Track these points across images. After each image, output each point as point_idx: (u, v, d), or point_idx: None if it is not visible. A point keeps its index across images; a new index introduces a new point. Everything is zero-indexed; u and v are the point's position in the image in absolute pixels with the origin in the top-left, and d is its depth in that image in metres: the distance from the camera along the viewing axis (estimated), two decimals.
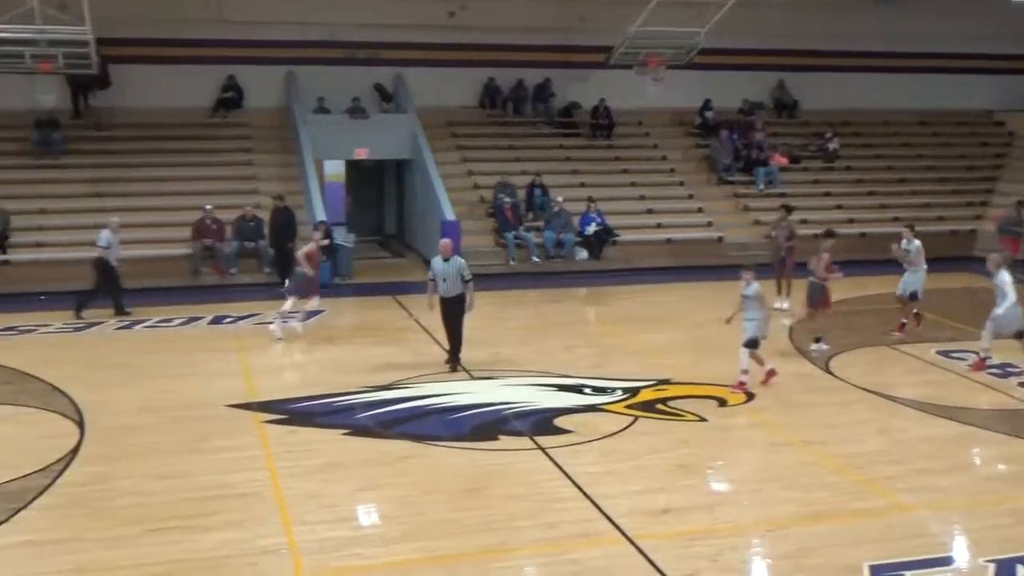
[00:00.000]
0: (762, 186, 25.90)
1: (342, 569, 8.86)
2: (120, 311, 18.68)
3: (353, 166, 27.52)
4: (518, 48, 26.62)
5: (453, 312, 14.87)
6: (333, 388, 14.10)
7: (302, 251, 17.53)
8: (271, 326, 17.10)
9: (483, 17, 25.46)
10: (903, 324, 17.31)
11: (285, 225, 21.09)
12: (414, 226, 25.61)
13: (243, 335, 17.38)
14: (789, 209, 20.39)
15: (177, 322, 18.20)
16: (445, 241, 15.20)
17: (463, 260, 15.07)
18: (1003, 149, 28.67)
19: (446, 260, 14.77)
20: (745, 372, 14.06)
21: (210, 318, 18.49)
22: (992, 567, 9.07)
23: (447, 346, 15.25)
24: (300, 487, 10.65)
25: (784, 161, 26.52)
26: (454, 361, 15.09)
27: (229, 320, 18.40)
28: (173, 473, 11.01)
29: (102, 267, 18.77)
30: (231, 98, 25.43)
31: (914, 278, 17.28)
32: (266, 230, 21.46)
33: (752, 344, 14.01)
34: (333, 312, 19.23)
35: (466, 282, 14.78)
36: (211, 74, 25.20)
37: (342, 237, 22.34)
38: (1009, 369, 15.20)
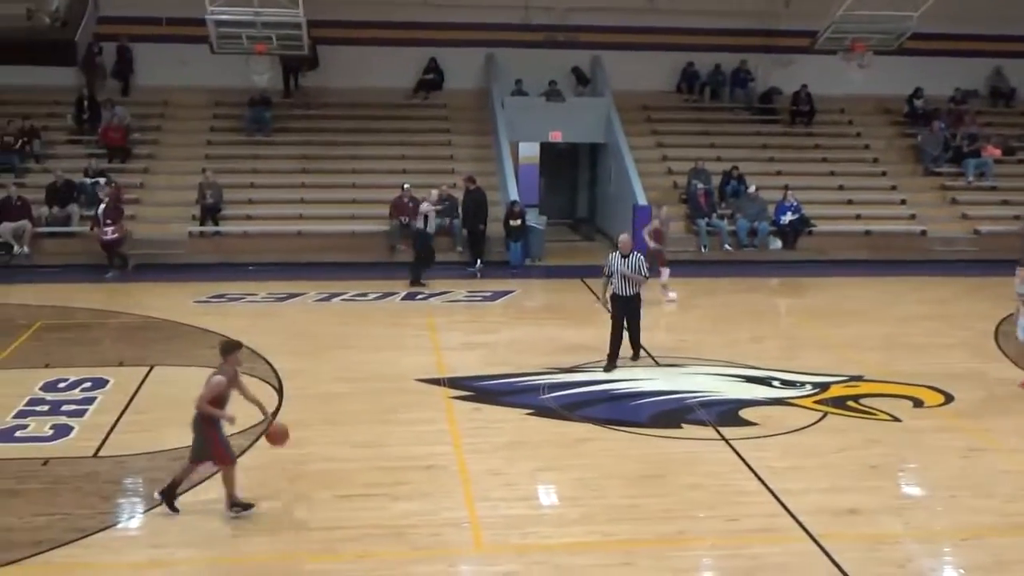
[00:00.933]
0: (971, 178, 24.65)
1: (521, 547, 8.99)
2: (416, 282, 19.51)
3: (547, 149, 27.71)
4: (717, 32, 26.16)
5: (629, 311, 14.20)
6: (519, 368, 14.28)
7: (647, 229, 18.80)
8: (670, 294, 18.48)
9: (682, 1, 25.14)
10: None
11: (477, 207, 21.43)
12: (606, 210, 25.60)
13: (434, 312, 17.81)
14: None
15: (372, 297, 18.81)
16: (624, 237, 14.45)
17: (642, 258, 14.34)
18: None
19: (624, 256, 14.04)
20: None
21: (403, 294, 19.02)
22: None
23: (607, 348, 14.26)
24: (483, 463, 10.85)
25: (998, 153, 25.14)
26: (635, 352, 14.53)
27: (421, 297, 18.88)
28: (364, 442, 11.41)
29: (418, 237, 19.87)
30: (432, 79, 26.01)
31: None
32: (460, 211, 21.87)
33: None
34: (523, 293, 19.48)
35: (645, 277, 14.27)
36: (414, 56, 25.83)
37: (534, 219, 22.56)
38: None
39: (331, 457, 10.94)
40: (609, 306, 14.32)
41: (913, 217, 23.68)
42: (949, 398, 13.30)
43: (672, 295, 18.36)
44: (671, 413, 12.59)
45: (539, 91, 25.25)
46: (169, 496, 9.45)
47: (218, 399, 9.27)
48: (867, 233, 23.06)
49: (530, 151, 27.92)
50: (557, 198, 27.76)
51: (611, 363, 14.12)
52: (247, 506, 9.47)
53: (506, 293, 19.17)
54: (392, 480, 10.28)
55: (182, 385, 13.32)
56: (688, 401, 12.99)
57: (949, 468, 11.16)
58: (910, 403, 13.15)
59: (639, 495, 10.01)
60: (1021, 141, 26.01)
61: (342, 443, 11.35)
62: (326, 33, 24.63)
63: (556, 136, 25.17)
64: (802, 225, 22.50)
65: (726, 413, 12.61)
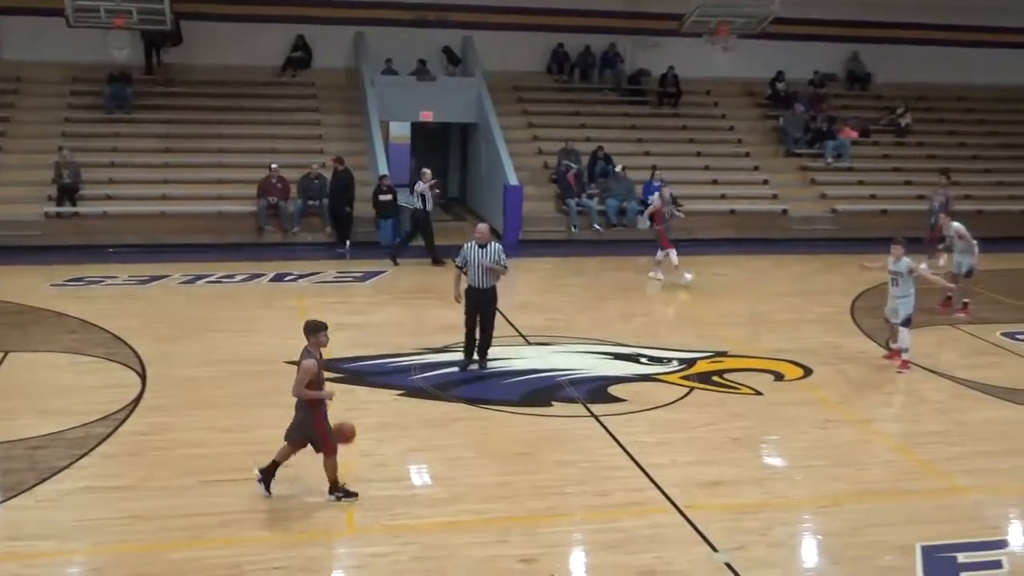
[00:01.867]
0: (830, 160, 25.50)
1: (392, 528, 8.97)
2: (437, 262, 19.83)
3: (418, 129, 27.58)
4: (587, 14, 26.38)
5: (483, 306, 13.19)
6: (390, 349, 14.22)
7: (648, 210, 18.94)
8: (687, 276, 18.49)
9: None
10: (963, 302, 16.98)
11: (343, 188, 21.19)
12: (477, 190, 25.64)
13: (304, 293, 17.58)
14: (948, 175, 20.47)
15: (240, 278, 18.46)
16: (483, 226, 13.64)
17: (500, 246, 13.48)
18: None
19: (482, 247, 13.09)
20: (906, 351, 13.87)
21: (272, 275, 18.72)
22: None
23: (464, 341, 13.51)
24: (353, 445, 10.77)
25: (854, 135, 26.05)
26: (482, 359, 13.42)
27: (291, 278, 18.61)
28: (233, 427, 11.20)
29: (417, 217, 20.03)
30: (300, 57, 25.58)
31: (967, 259, 16.89)
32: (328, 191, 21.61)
33: (908, 323, 13.79)
34: (394, 274, 19.37)
35: (505, 268, 13.29)
36: (281, 33, 25.36)
37: (405, 199, 22.44)
38: None
39: (197, 443, 10.70)
40: (462, 300, 13.40)
41: (775, 197, 24.37)
42: (808, 372, 13.77)
43: (688, 276, 18.55)
44: (542, 391, 12.72)
45: (409, 70, 25.08)
46: (268, 474, 9.37)
47: (314, 382, 9.25)
48: (732, 212, 23.65)
49: (401, 131, 27.75)
50: None
51: (468, 358, 13.40)
52: (350, 493, 9.41)
53: (377, 273, 19.04)
54: (261, 464, 10.10)
55: (39, 371, 12.88)
56: (558, 379, 13.14)
57: (807, 439, 11.56)
58: (771, 377, 13.58)
59: (511, 473, 10.09)
60: (876, 124, 27.01)
61: (208, 428, 11.12)
62: (190, 7, 23.99)
63: (427, 116, 25.06)
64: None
65: (596, 390, 12.80)
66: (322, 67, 25.56)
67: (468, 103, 24.84)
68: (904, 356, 13.84)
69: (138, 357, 13.48)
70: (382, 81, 24.59)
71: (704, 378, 13.43)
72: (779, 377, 13.61)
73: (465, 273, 13.22)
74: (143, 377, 12.76)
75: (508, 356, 14.00)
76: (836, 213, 24.10)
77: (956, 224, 17.10)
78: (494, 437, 11.17)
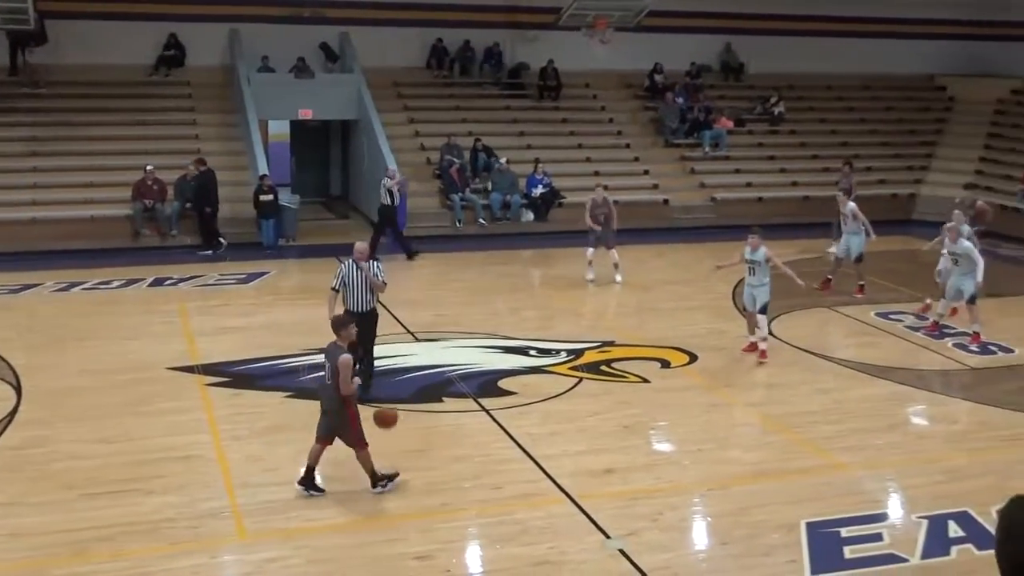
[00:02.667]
0: (708, 149, 26.02)
1: (286, 531, 8.86)
2: (410, 255, 19.98)
3: (298, 126, 27.19)
4: (465, 8, 26.38)
5: (364, 330, 11.74)
6: (277, 350, 14.02)
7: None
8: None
9: None
10: (859, 284, 17.54)
11: (205, 190, 20.68)
12: (360, 187, 25.41)
13: (185, 297, 17.19)
14: (851, 163, 21.75)
15: (117, 284, 17.93)
16: (361, 245, 12.32)
17: (379, 263, 12.42)
18: (944, 114, 28.99)
19: (360, 266, 11.99)
20: (765, 340, 13.99)
21: (151, 280, 18.24)
22: (925, 523, 9.29)
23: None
24: (243, 450, 10.61)
25: (730, 124, 26.64)
26: (366, 388, 11.71)
27: (170, 282, 18.17)
28: (114, 437, 10.90)
29: (386, 214, 20.02)
30: (172, 56, 24.96)
31: (856, 240, 17.49)
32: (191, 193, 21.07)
33: (765, 310, 13.96)
34: (278, 274, 19.10)
35: (384, 283, 12.24)
36: (152, 31, 24.69)
37: (286, 198, 22.14)
38: (945, 330, 15.48)
39: (77, 455, 10.39)
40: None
41: (656, 187, 24.76)
42: (693, 358, 14.05)
43: (592, 276, 18.30)
44: (432, 387, 12.71)
45: (287, 67, 24.72)
46: (309, 480, 9.47)
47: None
48: (614, 203, 23.89)
49: (280, 129, 27.32)
50: (310, 176, 27.29)
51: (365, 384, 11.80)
52: (392, 476, 9.62)
53: (260, 275, 18.73)
54: (145, 474, 9.88)
55: None
56: (448, 375, 13.14)
57: (695, 424, 11.80)
58: (658, 364, 13.82)
59: (404, 470, 10.04)
60: (751, 113, 27.66)
61: (89, 439, 10.80)
62: (55, 6, 23.18)
63: (306, 114, 24.73)
64: (552, 197, 23.11)
65: (486, 384, 12.84)
66: (196, 65, 25.00)
67: (348, 100, 24.59)
68: (762, 345, 13.92)
69: (12, 369, 13.01)
70: (259, 79, 24.17)
71: (592, 368, 13.59)
72: (665, 364, 13.86)
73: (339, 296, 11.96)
74: (18, 390, 12.32)
75: (397, 354, 13.94)
76: (715, 201, 24.61)
77: (852, 204, 17.69)
78: (386, 435, 11.07)
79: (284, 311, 16.41)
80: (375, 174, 23.22)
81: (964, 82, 29.31)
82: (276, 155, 25.62)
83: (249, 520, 9.03)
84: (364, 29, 25.57)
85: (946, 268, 15.34)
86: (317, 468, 9.56)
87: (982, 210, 18.22)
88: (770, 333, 14.40)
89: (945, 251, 15.34)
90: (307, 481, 9.51)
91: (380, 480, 9.60)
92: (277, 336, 14.77)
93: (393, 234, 20.52)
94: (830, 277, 17.74)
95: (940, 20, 29.07)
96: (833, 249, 18.54)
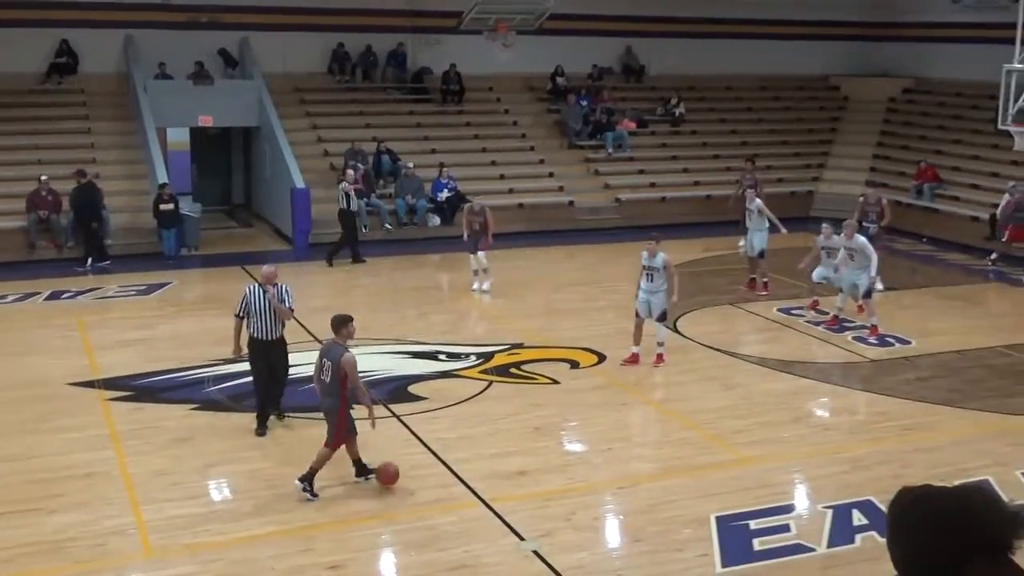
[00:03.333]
0: (611, 150, 26.27)
1: (193, 546, 8.69)
2: (357, 259, 20.05)
3: (198, 134, 26.71)
4: (367, 13, 26.22)
5: (275, 359, 11.32)
6: (181, 362, 13.76)
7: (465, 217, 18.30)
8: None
9: None
10: (763, 282, 17.83)
11: (86, 202, 20.10)
12: (263, 195, 25.08)
13: (84, 310, 16.75)
14: (753, 161, 22.09)
15: (12, 298, 17.38)
16: (268, 268, 11.53)
17: (288, 287, 11.57)
18: (838, 113, 29.73)
19: (266, 291, 11.17)
20: (662, 344, 13.90)
21: (47, 293, 17.73)
22: (830, 512, 9.51)
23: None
24: (147, 465, 10.38)
25: (632, 126, 26.94)
26: (278, 413, 11.55)
27: (68, 295, 17.69)
28: (13, 455, 10.59)
29: (344, 217, 20.03)
30: (65, 63, 24.29)
31: (759, 236, 17.80)
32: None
33: (664, 317, 13.89)
34: (181, 284, 18.72)
35: (291, 309, 11.47)
36: (43, 38, 24.00)
37: (188, 207, 21.73)
38: (845, 324, 15.88)
39: None
40: (245, 353, 11.43)
41: (561, 189, 24.92)
42: (602, 358, 14.17)
43: (484, 286, 18.01)
44: None
45: (185, 74, 24.27)
46: (309, 481, 9.58)
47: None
48: (520, 206, 24.02)
49: (180, 136, 26.80)
50: (211, 184, 26.83)
51: (262, 424, 11.31)
52: (314, 493, 9.55)
53: (162, 285, 18.34)
54: (46, 493, 9.61)
55: None
56: None
57: (605, 423, 11.91)
58: (568, 365, 13.91)
59: (315, 479, 9.93)
60: (652, 114, 28.01)
61: None
62: None
63: (206, 121, 24.30)
64: (458, 201, 23.07)
65: (396, 390, 12.78)
66: (90, 73, 24.37)
67: (249, 106, 24.24)
68: (659, 349, 13.85)
69: None
70: (156, 86, 23.68)
71: (502, 371, 13.62)
72: (575, 365, 13.95)
73: (249, 323, 11.23)
74: None
75: (305, 362, 13.74)
76: (620, 202, 24.86)
77: (758, 200, 18.01)
78: (294, 445, 10.97)
79: (188, 322, 16.11)
80: (278, 181, 22.95)
81: (857, 82, 30.11)
82: (176, 163, 25.12)
83: (155, 536, 8.84)
84: (264, 35, 25.25)
85: (843, 263, 15.69)
86: (361, 461, 9.97)
87: (884, 207, 18.67)
88: (676, 331, 14.57)
89: (827, 248, 15.75)
90: (307, 480, 9.59)
91: (310, 484, 9.55)
92: (181, 348, 14.48)
93: (348, 237, 20.25)
94: (753, 276, 18.04)
95: (834, 22, 29.82)
96: (743, 244, 18.85)
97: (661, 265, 13.70)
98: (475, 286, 18.00)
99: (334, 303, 17.00)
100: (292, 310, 11.54)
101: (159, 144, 22.74)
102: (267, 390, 11.37)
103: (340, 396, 9.68)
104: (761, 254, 17.78)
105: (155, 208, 20.51)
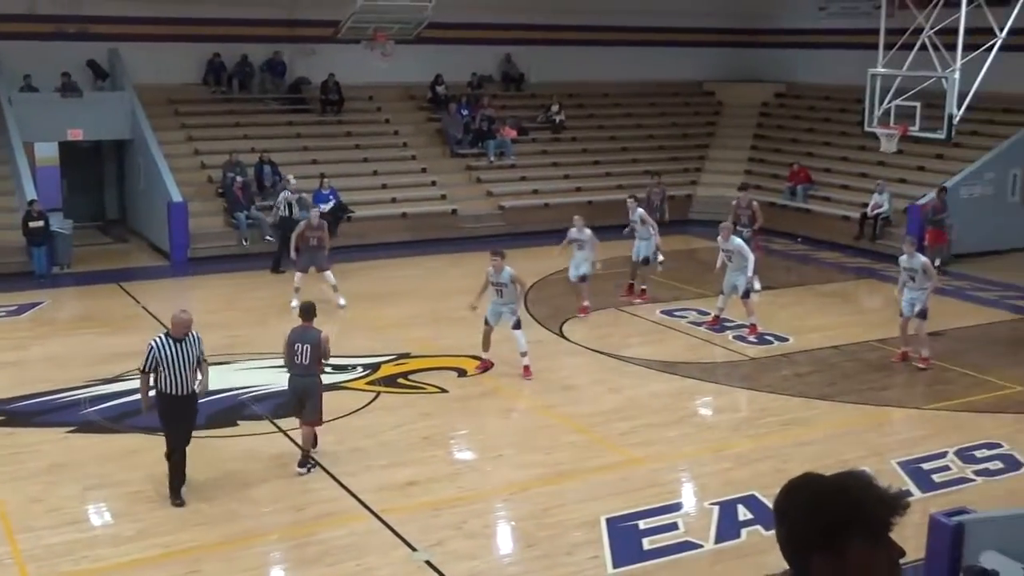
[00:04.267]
0: (493, 158, 26.39)
1: (74, 573, 8.42)
2: (276, 270, 19.91)
3: (68, 148, 25.90)
4: (242, 23, 25.80)
5: (186, 418, 10.02)
6: (55, 384, 13.29)
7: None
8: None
9: None
10: (641, 288, 18.08)
11: None
12: (139, 209, 24.44)
13: None
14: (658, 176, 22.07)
15: None
16: (181, 316, 10.17)
17: (199, 337, 10.25)
18: (713, 118, 30.43)
19: (179, 341, 9.93)
20: (525, 355, 13.80)
21: None
22: (716, 509, 9.72)
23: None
24: (21, 492, 10.02)
25: (513, 133, 27.10)
26: (178, 496, 9.83)
27: None
28: None
29: (283, 225, 19.82)
30: None
31: (644, 244, 18.02)
32: None
33: (519, 325, 13.82)
34: (53, 303, 18.10)
35: (202, 363, 10.16)
36: None
37: (58, 224, 21.05)
38: (726, 323, 16.24)
39: None
40: (153, 410, 10.11)
41: (444, 197, 24.91)
42: (489, 365, 14.19)
43: (341, 301, 17.42)
44: (226, 412, 12.37)
45: (52, 86, 23.52)
46: (307, 460, 10.52)
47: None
48: (404, 215, 23.94)
49: (49, 151, 25.95)
50: (83, 200, 26.01)
51: (176, 494, 9.84)
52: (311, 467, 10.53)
53: (34, 305, 17.71)
54: None
55: None
56: (242, 397, 12.82)
57: (494, 430, 11.96)
58: (455, 374, 13.91)
59: (200, 500, 9.75)
60: (533, 122, 28.23)
61: None
62: None
63: (76, 135, 23.58)
64: (341, 212, 22.88)
65: (282, 404, 12.56)
66: None
67: (121, 119, 23.61)
68: (525, 361, 13.79)
69: None
70: (21, 99, 22.89)
71: (390, 381, 13.55)
72: (462, 373, 13.96)
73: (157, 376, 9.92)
74: None
75: None
76: (503, 210, 24.98)
77: (641, 210, 18.24)
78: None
79: (62, 342, 15.59)
80: (154, 195, 22.42)
81: (731, 87, 30.88)
82: (45, 179, 24.31)
83: (34, 565, 8.54)
84: (135, 45, 24.63)
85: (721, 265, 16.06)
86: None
87: (755, 210, 19.09)
88: (562, 335, 14.69)
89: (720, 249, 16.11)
90: (304, 462, 10.50)
91: (309, 461, 10.50)
92: (55, 369, 14.00)
93: (282, 245, 19.91)
94: (632, 283, 18.26)
95: (708, 29, 30.50)
96: (661, 259, 18.86)
97: (508, 280, 13.70)
98: (293, 303, 15.99)
99: (215, 318, 16.72)
100: (207, 362, 10.29)
101: (27, 159, 21.99)
102: (181, 452, 9.97)
103: (318, 374, 10.62)
104: (645, 261, 18.01)
105: (24, 225, 19.80)
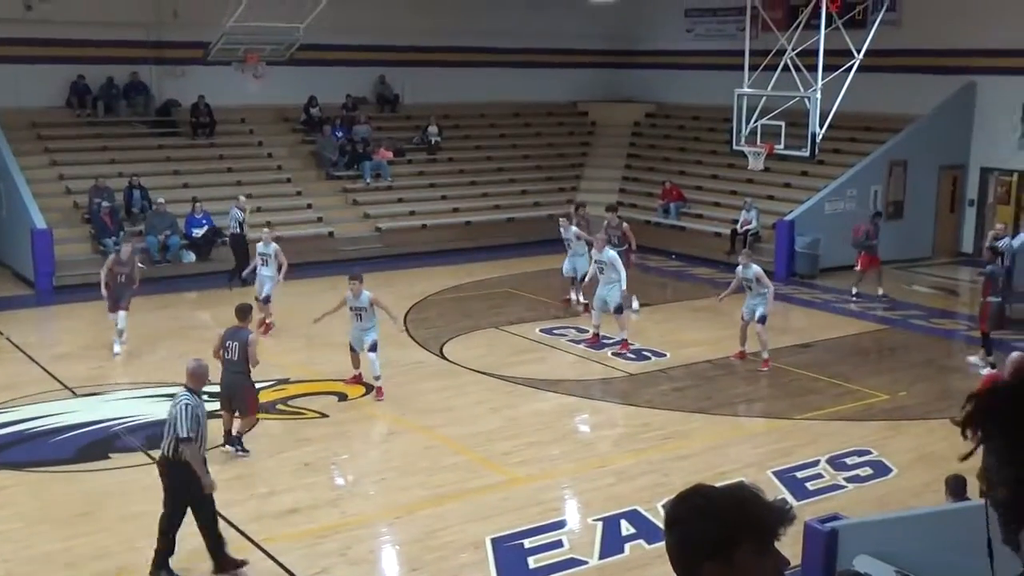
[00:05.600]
0: (369, 180, 26.26)
1: None
2: (231, 282, 20.03)
3: None
4: (107, 44, 25.14)
5: (192, 484, 8.83)
6: None
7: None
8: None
9: (66, 11, 23.80)
10: (581, 301, 18.24)
11: None
12: (1, 237, 23.56)
13: None
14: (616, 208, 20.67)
15: None
16: (202, 365, 9.55)
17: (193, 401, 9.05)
18: (587, 138, 30.89)
19: (195, 391, 9.21)
20: (378, 378, 13.74)
21: None
22: (600, 525, 9.82)
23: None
24: None
25: (390, 155, 27.02)
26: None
27: None
28: None
29: (236, 243, 20.42)
30: None
31: (581, 262, 18.09)
32: None
33: (375, 348, 13.70)
34: None
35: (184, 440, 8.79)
36: None
37: None
38: (604, 340, 16.46)
39: None
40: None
41: (320, 220, 24.67)
42: (370, 388, 14.09)
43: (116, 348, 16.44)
44: (97, 444, 11.99)
45: None
46: (239, 440, 11.54)
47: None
48: (279, 239, 23.57)
49: None
50: None
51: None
52: (245, 449, 11.53)
53: None
54: None
55: None
56: (114, 428, 12.44)
57: (376, 454, 11.88)
58: (335, 398, 13.76)
59: (71, 536, 9.42)
60: (409, 143, 28.21)
61: None
62: None
63: None
64: (215, 236, 22.46)
65: (156, 435, 12.15)
66: None
67: None
68: (378, 383, 13.76)
69: None
70: None
71: (269, 407, 13.30)
72: (343, 397, 13.82)
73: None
74: None
75: (55, 412, 13.02)
76: (380, 231, 24.87)
77: (574, 227, 18.38)
78: (49, 501, 10.35)
79: None
80: (16, 222, 21.64)
81: (603, 107, 31.41)
82: None
83: None
84: None
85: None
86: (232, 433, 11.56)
87: (626, 231, 19.18)
88: (442, 356, 14.66)
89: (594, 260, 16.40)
90: (237, 442, 11.53)
91: (240, 443, 11.49)
92: None
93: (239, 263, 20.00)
94: (568, 298, 18.57)
95: (580, 50, 30.98)
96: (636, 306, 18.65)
97: (367, 303, 13.73)
98: (116, 349, 15.95)
99: (83, 348, 16.20)
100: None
101: None
102: (173, 538, 8.90)
103: (246, 371, 11.45)
104: (582, 279, 17.80)
105: None
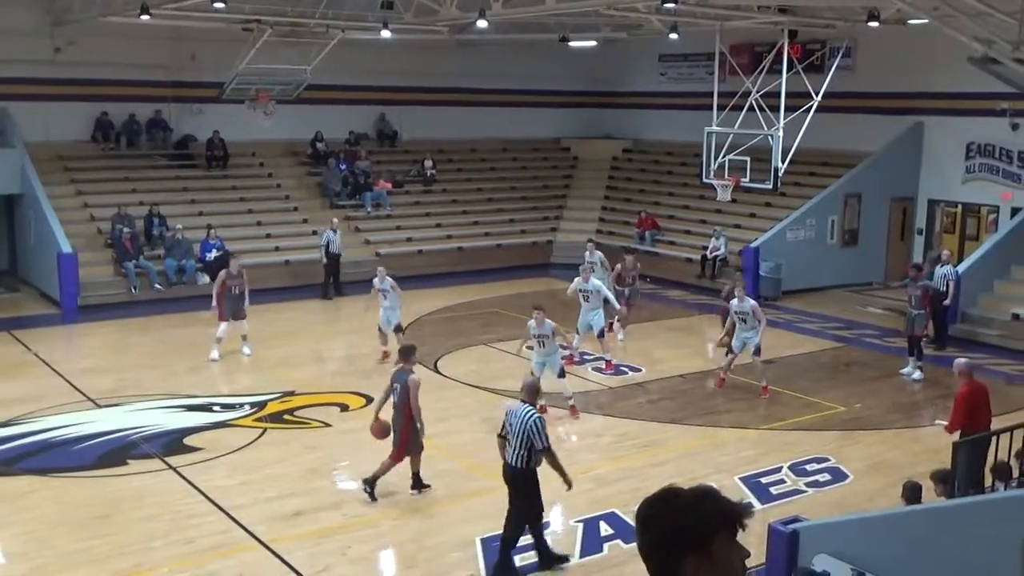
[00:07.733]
0: (370, 209, 26.25)
1: None
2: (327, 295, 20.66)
3: None
4: (130, 83, 25.13)
5: None
6: None
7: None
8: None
9: (92, 53, 23.79)
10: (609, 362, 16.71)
11: None
12: (29, 260, 23.42)
13: None
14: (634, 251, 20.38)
15: None
16: (534, 381, 9.92)
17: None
18: (570, 171, 30.95)
19: (532, 404, 9.24)
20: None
21: None
22: (581, 526, 9.77)
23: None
24: None
25: (389, 186, 27.03)
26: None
27: None
28: None
29: (332, 261, 20.71)
30: None
31: (596, 317, 16.46)
32: None
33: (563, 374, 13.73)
34: None
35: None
36: None
37: None
38: (585, 356, 16.43)
39: None
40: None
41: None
42: (369, 400, 14.00)
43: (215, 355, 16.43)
44: (116, 451, 11.89)
45: None
46: (372, 485, 10.19)
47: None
48: (287, 263, 23.56)
49: None
50: None
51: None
52: (374, 496, 10.24)
53: None
54: None
55: None
56: (132, 437, 12.35)
57: (375, 460, 11.74)
58: (338, 409, 13.70)
59: (90, 537, 9.33)
60: (407, 175, 28.22)
61: None
62: None
63: None
64: (226, 259, 22.33)
65: (171, 443, 12.17)
66: None
67: (11, 174, 22.64)
68: (571, 402, 13.69)
69: None
70: None
71: (276, 418, 13.26)
72: (344, 408, 13.76)
73: None
74: None
75: (78, 422, 12.93)
76: (380, 256, 24.81)
77: (600, 253, 18.21)
78: (70, 505, 10.25)
79: None
80: (44, 247, 21.56)
81: (585, 143, 31.48)
82: None
83: None
84: (25, 104, 23.70)
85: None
86: (419, 475, 10.55)
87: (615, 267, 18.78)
88: (436, 371, 14.58)
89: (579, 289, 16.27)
90: (370, 484, 10.26)
91: (371, 487, 10.21)
92: None
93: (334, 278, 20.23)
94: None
95: (563, 91, 31.08)
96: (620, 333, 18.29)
97: (550, 332, 13.50)
98: (214, 355, 16.34)
99: (105, 362, 16.14)
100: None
101: None
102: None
103: (405, 413, 10.23)
104: (600, 333, 16.34)
105: None
